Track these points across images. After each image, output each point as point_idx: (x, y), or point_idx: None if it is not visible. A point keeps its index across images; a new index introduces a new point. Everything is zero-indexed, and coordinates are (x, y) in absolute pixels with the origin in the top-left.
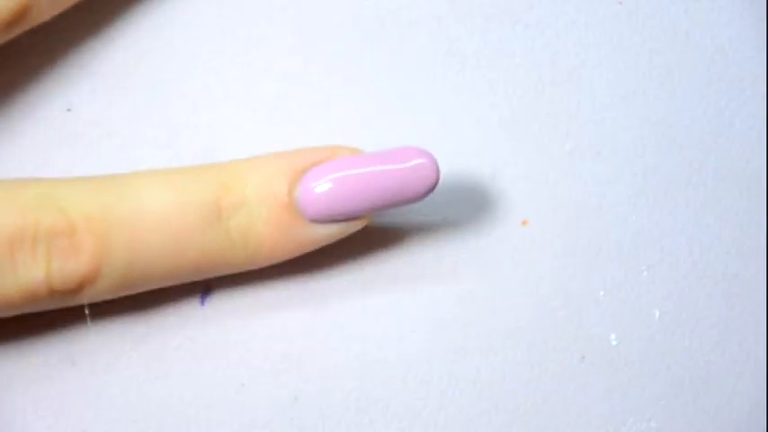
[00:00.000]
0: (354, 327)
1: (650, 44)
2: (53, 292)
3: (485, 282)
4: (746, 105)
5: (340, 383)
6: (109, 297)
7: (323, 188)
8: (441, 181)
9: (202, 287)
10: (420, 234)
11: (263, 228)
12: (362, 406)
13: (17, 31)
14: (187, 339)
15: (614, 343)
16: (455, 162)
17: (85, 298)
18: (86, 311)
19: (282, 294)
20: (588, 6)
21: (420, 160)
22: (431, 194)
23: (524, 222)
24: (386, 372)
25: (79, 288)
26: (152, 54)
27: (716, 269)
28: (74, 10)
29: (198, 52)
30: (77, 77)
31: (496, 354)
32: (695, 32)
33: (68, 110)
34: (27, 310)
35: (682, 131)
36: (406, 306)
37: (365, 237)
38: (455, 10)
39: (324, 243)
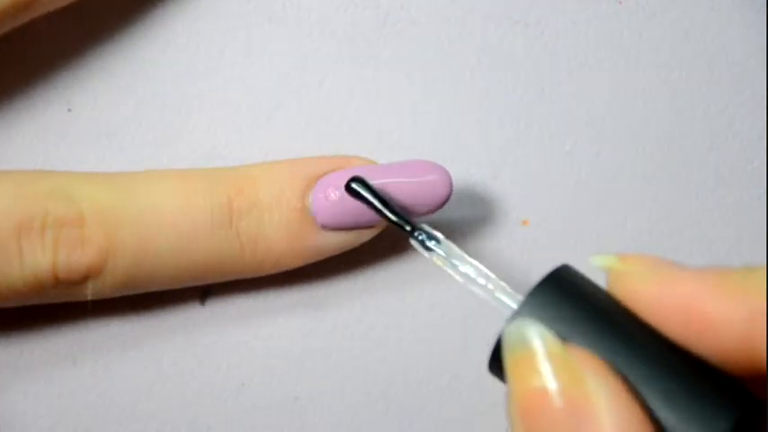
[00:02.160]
0: (354, 327)
1: (650, 44)
2: (57, 282)
3: None
4: (746, 105)
5: (340, 383)
6: (112, 294)
7: (335, 196)
8: None
9: (202, 287)
10: None
11: (273, 233)
12: (362, 406)
13: (25, 18)
14: (187, 339)
15: None
16: (455, 162)
17: (89, 292)
18: (89, 306)
19: (283, 294)
20: (588, 6)
21: (432, 175)
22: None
23: (524, 222)
24: (386, 372)
25: (83, 279)
26: (152, 55)
27: None
28: (74, 10)
29: (198, 53)
30: (78, 78)
31: None
32: (695, 32)
33: (69, 110)
34: (31, 300)
35: (682, 131)
36: (406, 306)
37: None
38: (455, 10)
39: (332, 253)
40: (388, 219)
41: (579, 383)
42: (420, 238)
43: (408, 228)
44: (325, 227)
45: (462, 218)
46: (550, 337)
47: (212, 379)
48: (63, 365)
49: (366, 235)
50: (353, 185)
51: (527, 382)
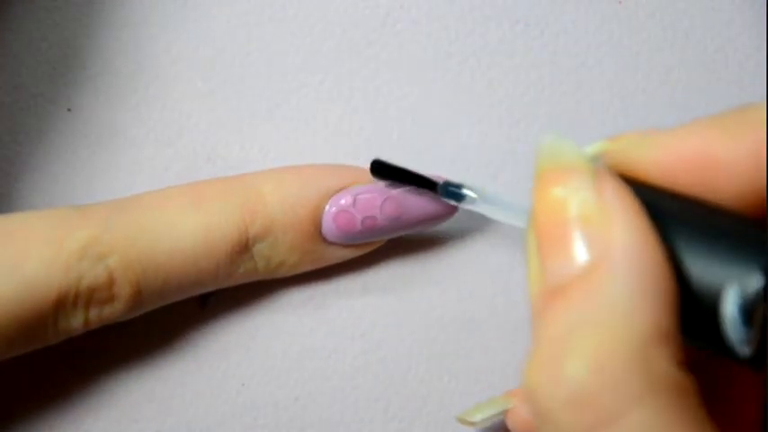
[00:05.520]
0: (354, 327)
1: (650, 44)
2: (87, 331)
3: (485, 282)
4: None
5: (340, 383)
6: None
7: (345, 217)
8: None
9: None
10: (420, 234)
11: (286, 252)
12: (362, 406)
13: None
14: (187, 339)
15: None
16: (455, 162)
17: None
18: None
19: (282, 295)
20: (588, 6)
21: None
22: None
23: None
24: (386, 372)
25: (110, 323)
26: (152, 55)
27: None
28: (74, 10)
29: (198, 53)
30: (78, 78)
31: (496, 354)
32: (695, 32)
33: (69, 110)
34: None
35: None
36: (406, 306)
37: None
38: (455, 10)
39: (339, 261)
40: (418, 185)
41: (600, 199)
42: (451, 190)
43: (437, 188)
44: (334, 244)
45: (462, 218)
46: (582, 153)
47: (212, 379)
48: (63, 365)
49: (372, 246)
50: (376, 167)
51: (549, 191)
